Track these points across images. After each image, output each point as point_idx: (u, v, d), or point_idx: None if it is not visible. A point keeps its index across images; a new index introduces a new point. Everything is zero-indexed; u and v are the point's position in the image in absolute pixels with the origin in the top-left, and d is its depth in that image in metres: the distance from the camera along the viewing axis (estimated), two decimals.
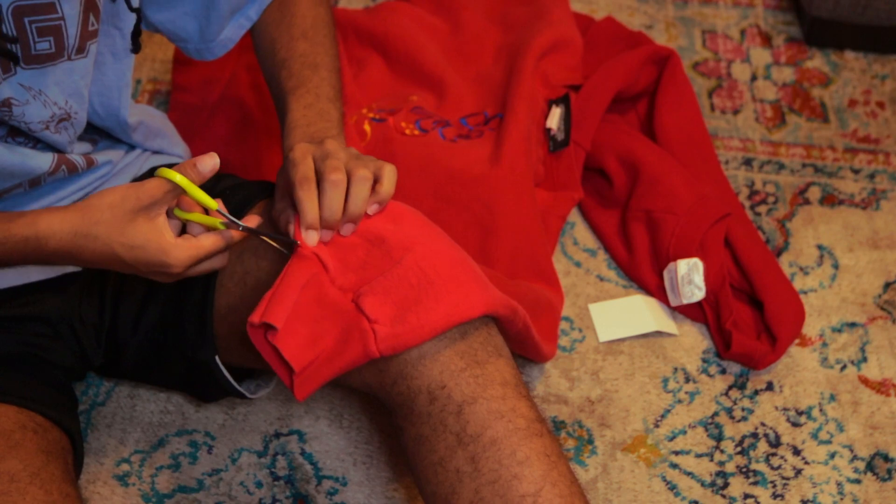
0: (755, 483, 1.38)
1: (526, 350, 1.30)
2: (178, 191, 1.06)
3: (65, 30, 1.09)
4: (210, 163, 1.08)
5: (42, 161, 1.17)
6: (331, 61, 1.28)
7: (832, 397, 1.47)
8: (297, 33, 1.28)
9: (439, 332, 1.06)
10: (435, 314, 1.06)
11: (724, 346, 1.50)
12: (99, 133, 1.31)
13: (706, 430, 1.43)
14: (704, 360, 1.50)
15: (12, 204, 1.21)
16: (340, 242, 1.10)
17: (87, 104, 1.19)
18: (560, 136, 1.66)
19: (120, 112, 1.24)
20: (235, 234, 1.10)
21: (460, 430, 1.06)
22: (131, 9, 1.18)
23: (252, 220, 1.12)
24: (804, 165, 1.76)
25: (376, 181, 1.11)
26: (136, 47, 1.22)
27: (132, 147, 1.34)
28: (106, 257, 1.06)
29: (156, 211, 1.06)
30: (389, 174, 1.11)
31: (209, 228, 1.10)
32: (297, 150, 1.12)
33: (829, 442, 1.42)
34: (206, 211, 1.11)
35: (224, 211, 1.09)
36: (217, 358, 1.23)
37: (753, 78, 1.90)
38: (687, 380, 1.48)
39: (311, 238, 1.09)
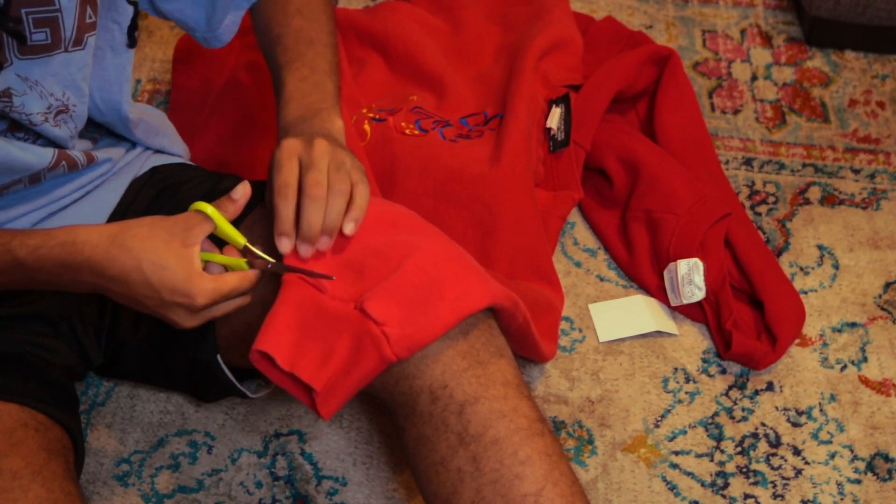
0: (755, 483, 1.38)
1: (526, 348, 1.30)
2: (212, 222, 1.07)
3: (62, 21, 1.09)
4: (241, 190, 1.09)
5: (42, 156, 1.17)
6: (326, 37, 1.27)
7: (832, 397, 1.47)
8: (292, 10, 1.28)
9: (451, 327, 1.06)
10: (442, 310, 1.06)
11: (724, 346, 1.50)
12: (100, 131, 1.31)
13: (706, 430, 1.43)
14: (704, 360, 1.50)
15: (12, 200, 1.21)
16: (334, 259, 1.10)
17: (87, 98, 1.19)
18: (560, 136, 1.66)
19: (121, 107, 1.24)
20: (256, 276, 1.10)
21: (462, 429, 1.06)
22: (129, 1, 1.18)
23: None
24: (804, 165, 1.76)
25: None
26: (131, 41, 1.21)
27: (133, 146, 1.34)
28: (132, 275, 1.05)
29: (191, 239, 1.06)
30: (362, 193, 1.10)
31: (229, 270, 1.10)
32: (284, 150, 1.11)
33: (829, 442, 1.42)
34: (221, 249, 1.11)
35: (252, 248, 1.10)
36: (219, 357, 1.23)
37: (754, 78, 1.90)
38: (687, 380, 1.48)
39: (284, 245, 1.08)
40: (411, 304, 1.06)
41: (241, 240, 1.10)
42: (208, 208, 1.08)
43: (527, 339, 1.24)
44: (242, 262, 1.09)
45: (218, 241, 1.12)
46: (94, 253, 1.05)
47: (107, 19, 1.18)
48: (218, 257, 1.09)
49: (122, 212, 1.31)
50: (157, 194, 1.32)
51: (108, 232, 1.06)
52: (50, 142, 1.19)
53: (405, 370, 1.08)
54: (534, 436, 1.06)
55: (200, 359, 1.23)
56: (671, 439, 1.42)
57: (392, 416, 1.14)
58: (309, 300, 1.07)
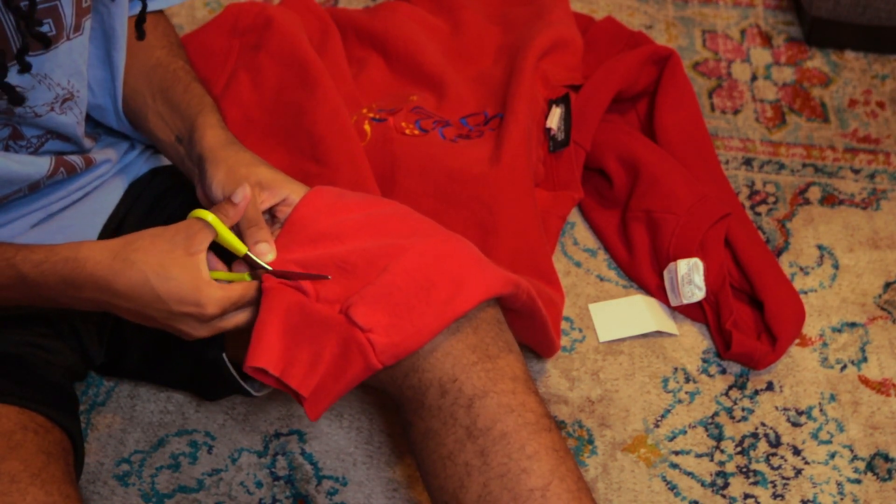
0: (755, 483, 1.38)
1: (534, 329, 1.28)
2: (214, 230, 1.08)
3: (61, 9, 1.09)
4: (241, 193, 1.10)
5: (40, 166, 1.18)
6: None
7: (832, 397, 1.47)
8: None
9: (437, 333, 1.06)
10: (429, 316, 1.06)
11: (724, 346, 1.50)
12: (100, 128, 1.31)
13: (706, 430, 1.43)
14: (704, 360, 1.50)
15: (13, 207, 1.21)
16: (322, 258, 1.10)
17: (91, 80, 1.19)
18: (560, 136, 1.66)
19: (115, 89, 1.24)
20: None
21: (470, 423, 1.06)
22: None
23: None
24: (804, 165, 1.76)
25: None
26: (140, 34, 1.21)
27: (132, 146, 1.34)
28: (139, 289, 1.05)
29: (195, 248, 1.06)
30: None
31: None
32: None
33: (829, 442, 1.42)
34: (229, 268, 1.11)
35: (253, 256, 1.10)
36: (224, 355, 1.23)
37: (753, 78, 1.90)
38: (687, 380, 1.48)
39: (267, 250, 1.11)
40: (397, 309, 1.06)
41: (242, 248, 1.10)
42: (208, 216, 1.08)
43: (535, 317, 1.23)
44: (245, 274, 1.10)
45: (219, 249, 1.12)
46: (96, 269, 1.05)
47: (97, 2, 1.17)
48: (220, 274, 1.09)
49: (122, 214, 1.31)
50: (159, 196, 1.32)
51: (110, 247, 1.06)
52: (55, 135, 1.19)
53: (415, 364, 1.08)
54: (541, 431, 1.07)
55: (206, 356, 1.23)
56: (671, 439, 1.42)
57: (398, 411, 1.14)
58: (294, 305, 1.07)
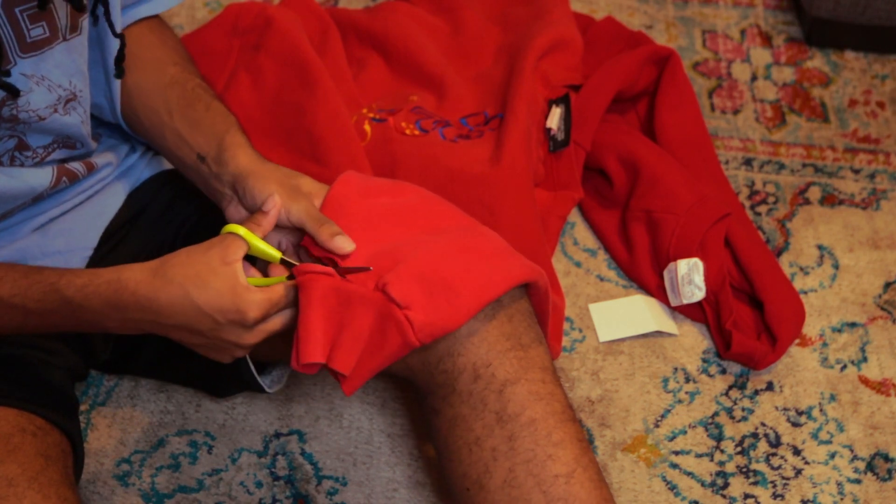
0: (755, 483, 1.38)
1: (542, 325, 1.29)
2: (246, 241, 1.09)
3: (55, 11, 1.09)
4: (270, 202, 1.11)
5: (43, 178, 1.18)
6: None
7: (832, 397, 1.47)
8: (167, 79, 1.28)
9: (473, 314, 1.07)
10: (465, 297, 1.07)
11: (724, 346, 1.50)
12: (102, 128, 1.31)
13: (706, 430, 1.43)
14: (704, 360, 1.51)
15: (14, 212, 1.22)
16: (355, 252, 1.12)
17: (89, 80, 1.19)
18: (560, 136, 1.66)
19: (111, 91, 1.24)
20: None
21: (500, 408, 1.08)
22: (115, 34, 1.18)
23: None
24: (804, 165, 1.76)
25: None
26: (119, 72, 1.21)
27: (133, 149, 1.34)
28: (180, 303, 1.06)
29: (231, 257, 1.07)
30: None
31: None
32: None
33: (829, 442, 1.42)
34: (267, 272, 1.12)
35: (289, 259, 1.11)
36: None
37: (753, 78, 1.90)
38: (687, 380, 1.48)
39: (346, 242, 1.12)
40: (432, 287, 1.07)
41: (276, 254, 1.11)
42: (240, 229, 1.09)
43: (544, 315, 1.24)
44: (282, 277, 1.11)
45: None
46: (138, 287, 1.06)
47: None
48: (258, 280, 1.10)
49: (125, 218, 1.31)
50: (168, 204, 1.32)
51: (150, 267, 1.08)
52: (61, 145, 1.19)
53: (451, 347, 1.09)
54: (567, 421, 1.09)
55: None
56: (671, 439, 1.42)
57: (426, 398, 1.14)
58: (328, 289, 1.08)
